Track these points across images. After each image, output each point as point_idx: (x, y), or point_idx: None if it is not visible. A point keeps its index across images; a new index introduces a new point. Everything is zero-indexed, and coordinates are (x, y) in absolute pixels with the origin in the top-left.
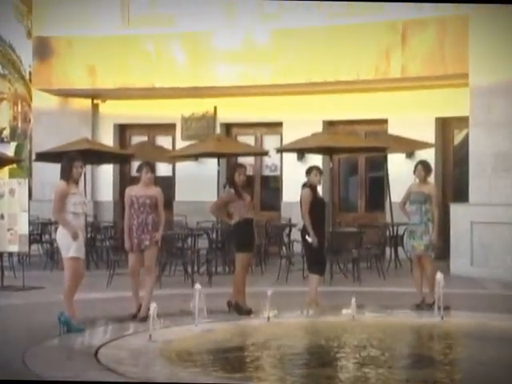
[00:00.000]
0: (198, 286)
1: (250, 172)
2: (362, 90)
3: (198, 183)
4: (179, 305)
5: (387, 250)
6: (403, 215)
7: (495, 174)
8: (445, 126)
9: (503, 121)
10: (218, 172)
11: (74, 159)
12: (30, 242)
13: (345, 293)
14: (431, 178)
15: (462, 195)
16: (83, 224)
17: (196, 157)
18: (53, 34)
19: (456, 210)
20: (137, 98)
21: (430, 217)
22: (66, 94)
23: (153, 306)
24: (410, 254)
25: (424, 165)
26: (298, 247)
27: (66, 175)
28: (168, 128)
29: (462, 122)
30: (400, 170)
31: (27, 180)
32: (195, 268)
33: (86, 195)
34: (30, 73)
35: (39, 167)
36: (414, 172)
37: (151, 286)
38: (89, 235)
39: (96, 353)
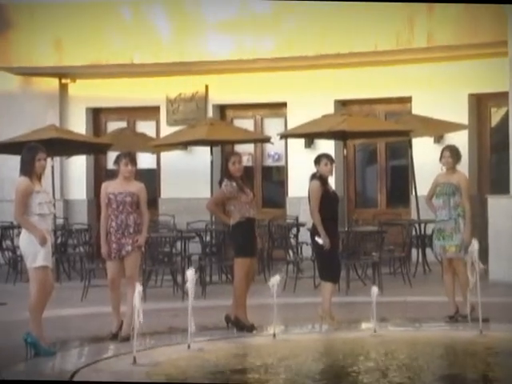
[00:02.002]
0: (191, 271)
1: (249, 162)
2: (380, 63)
3: (187, 177)
4: (168, 321)
5: (413, 252)
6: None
7: None
8: (480, 103)
9: None
10: (212, 163)
11: (37, 150)
12: None
13: (364, 304)
14: (463, 166)
15: (501, 186)
16: (51, 227)
17: (185, 145)
18: (11, 1)
19: (494, 204)
20: (113, 76)
21: (461, 212)
22: (29, 72)
23: (136, 323)
24: (439, 256)
25: (451, 150)
26: (307, 250)
27: (28, 170)
28: (151, 112)
29: (501, 98)
30: (427, 158)
31: None
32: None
33: (53, 193)
34: None
35: None
36: (441, 159)
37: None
38: (59, 240)
39: (70, 380)
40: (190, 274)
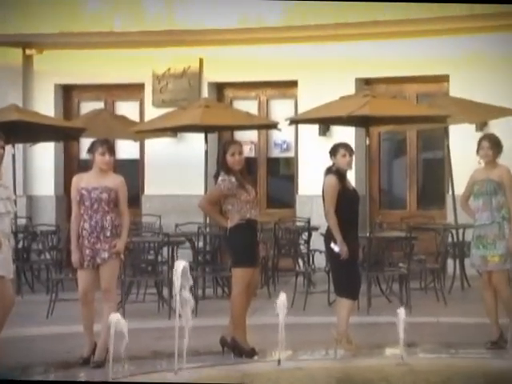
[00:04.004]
0: (180, 263)
1: (251, 153)
2: (412, 33)
3: (176, 170)
4: (151, 344)
5: (449, 263)
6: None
7: None
8: None
9: None
10: (206, 153)
11: None
12: None
13: (388, 325)
14: (507, 159)
15: None
16: (10, 229)
17: (174, 131)
18: None
19: None
20: (88, 47)
21: (505, 214)
22: None
23: (112, 346)
24: (479, 268)
25: (491, 140)
26: (320, 260)
27: None
28: (133, 90)
29: None
30: (467, 149)
31: None
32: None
33: (14, 188)
34: None
35: None
36: (478, 151)
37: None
38: (20, 245)
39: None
40: (180, 267)
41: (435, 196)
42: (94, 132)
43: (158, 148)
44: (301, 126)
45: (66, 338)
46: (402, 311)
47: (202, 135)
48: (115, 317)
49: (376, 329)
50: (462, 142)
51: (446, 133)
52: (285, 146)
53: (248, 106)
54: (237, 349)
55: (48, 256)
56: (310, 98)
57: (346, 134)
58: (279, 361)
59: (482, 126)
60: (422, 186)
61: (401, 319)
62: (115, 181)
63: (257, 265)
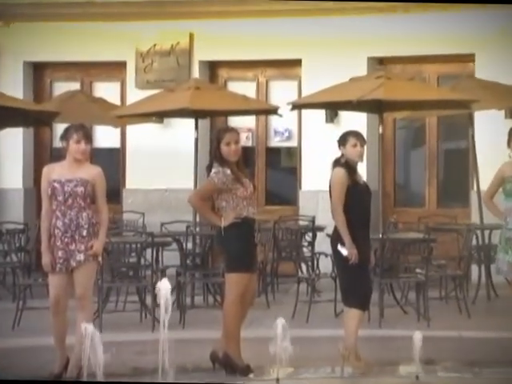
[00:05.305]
0: (163, 283)
1: (248, 142)
2: (432, 6)
3: (162, 160)
4: (132, 359)
5: (474, 269)
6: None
7: None
8: None
9: None
10: (196, 141)
11: None
12: None
13: (403, 339)
14: None
15: None
16: None
17: (160, 116)
18: None
19: None
20: (62, 19)
21: None
22: None
23: (86, 360)
24: (507, 275)
25: None
26: (326, 264)
27: None
28: (113, 69)
29: None
30: (495, 139)
31: None
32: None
33: None
34: None
35: None
36: (509, 143)
37: None
38: None
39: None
40: (163, 286)
41: (458, 192)
42: (68, 117)
43: (141, 135)
44: (305, 112)
45: (34, 352)
46: (418, 336)
47: (191, 121)
48: (90, 328)
49: (389, 343)
50: (489, 131)
51: (470, 120)
52: (286, 134)
53: (245, 87)
54: (229, 365)
55: (15, 258)
56: (315, 80)
57: (356, 121)
58: (278, 379)
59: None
60: (442, 181)
61: (417, 333)
62: (92, 172)
63: (254, 270)
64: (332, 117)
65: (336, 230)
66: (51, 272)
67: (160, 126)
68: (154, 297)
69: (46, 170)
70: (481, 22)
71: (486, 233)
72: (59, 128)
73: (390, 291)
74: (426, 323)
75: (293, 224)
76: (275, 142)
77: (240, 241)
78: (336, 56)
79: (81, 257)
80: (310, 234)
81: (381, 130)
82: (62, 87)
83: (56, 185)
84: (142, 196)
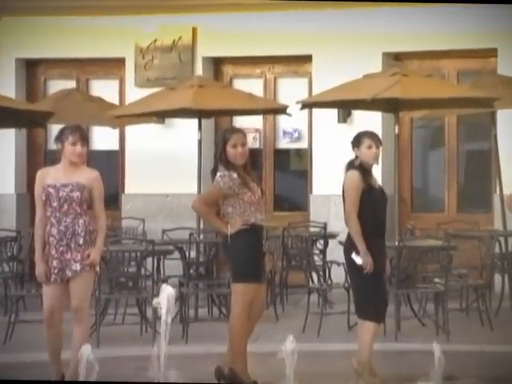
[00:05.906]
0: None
1: (256, 143)
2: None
3: (164, 163)
4: (131, 374)
5: (497, 278)
6: None
7: None
8: None
9: None
10: (200, 143)
11: None
12: None
13: (421, 353)
14: None
15: None
16: None
17: (161, 116)
18: None
19: None
20: (57, 12)
21: None
22: None
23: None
24: None
25: None
26: (338, 273)
27: None
28: (112, 66)
29: None
30: None
31: None
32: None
33: None
34: None
35: None
36: None
37: (82, 343)
38: None
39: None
40: (167, 292)
41: (479, 196)
42: (63, 117)
43: (141, 137)
44: (315, 111)
45: (27, 368)
46: (437, 349)
47: (194, 121)
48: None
49: (406, 358)
50: None
51: (493, 119)
52: (296, 135)
53: (251, 85)
54: (235, 382)
55: (6, 268)
56: (326, 77)
57: (370, 121)
58: None
59: None
60: (463, 185)
61: (437, 347)
62: (89, 176)
63: (262, 280)
64: (345, 116)
65: (349, 237)
66: (45, 283)
67: (161, 126)
68: (155, 309)
69: (39, 173)
70: (503, 15)
71: (510, 240)
72: (54, 129)
73: (407, 302)
74: (446, 336)
75: (303, 231)
76: (284, 143)
77: (247, 249)
78: (349, 51)
79: (77, 266)
80: (322, 242)
81: (397, 131)
82: (57, 85)
83: (50, 190)
84: (142, 201)
